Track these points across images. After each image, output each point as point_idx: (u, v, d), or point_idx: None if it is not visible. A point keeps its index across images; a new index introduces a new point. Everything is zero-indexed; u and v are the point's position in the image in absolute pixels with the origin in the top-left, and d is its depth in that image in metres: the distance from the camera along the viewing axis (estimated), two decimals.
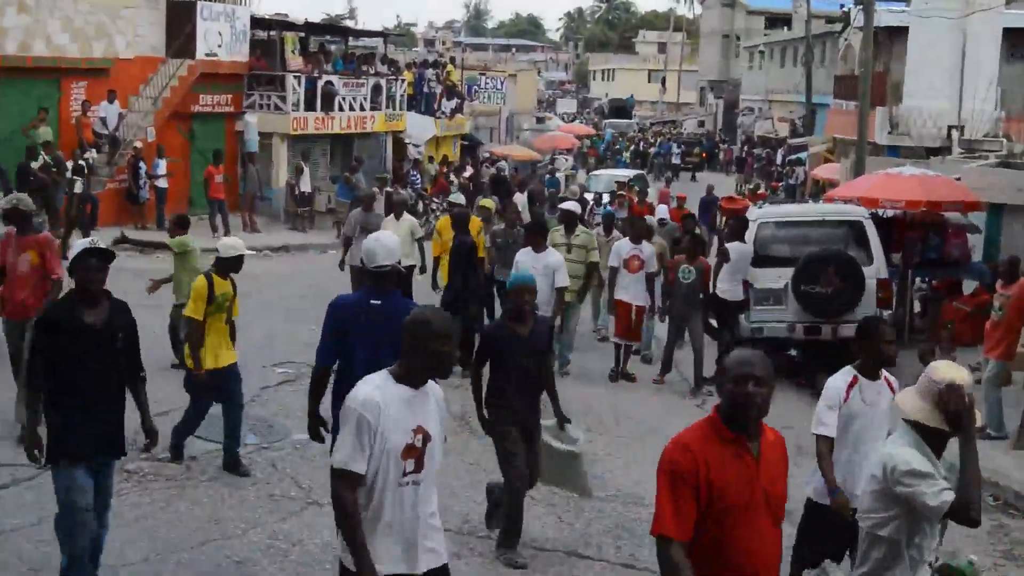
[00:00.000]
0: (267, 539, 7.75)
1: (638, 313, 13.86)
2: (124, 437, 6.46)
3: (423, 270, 15.18)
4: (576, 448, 8.05)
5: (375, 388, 4.69)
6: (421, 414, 4.74)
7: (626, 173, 35.40)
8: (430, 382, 4.85)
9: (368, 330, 6.37)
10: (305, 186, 27.14)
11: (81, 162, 21.95)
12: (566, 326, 13.44)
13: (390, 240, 6.63)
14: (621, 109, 76.41)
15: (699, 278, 13.36)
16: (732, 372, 4.31)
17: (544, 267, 11.72)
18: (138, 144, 24.11)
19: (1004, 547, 8.89)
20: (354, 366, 6.29)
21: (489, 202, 17.11)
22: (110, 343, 6.19)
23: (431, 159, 34.12)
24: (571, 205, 14.63)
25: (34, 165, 20.73)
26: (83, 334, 6.09)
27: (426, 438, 4.74)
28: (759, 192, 34.98)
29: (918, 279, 17.07)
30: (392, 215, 15.19)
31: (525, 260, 11.91)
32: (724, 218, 23.32)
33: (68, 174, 21.06)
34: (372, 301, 6.45)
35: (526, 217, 20.65)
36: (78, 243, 6.31)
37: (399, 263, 6.64)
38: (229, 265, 8.99)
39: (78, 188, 20.96)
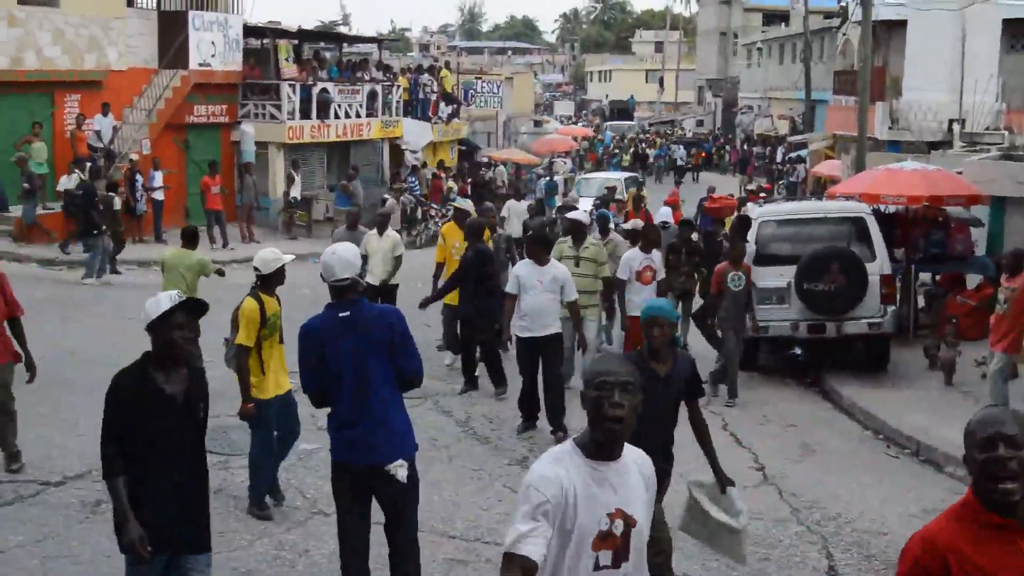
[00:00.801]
0: (273, 550, 7.80)
1: None
2: (209, 528, 5.62)
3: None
4: (737, 523, 6.95)
5: (554, 460, 3.78)
6: (621, 493, 3.80)
7: (618, 176, 35.24)
8: (632, 450, 3.95)
9: (351, 346, 6.16)
10: (296, 193, 27.28)
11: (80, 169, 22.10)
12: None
13: (347, 252, 6.38)
14: (623, 111, 76.50)
15: (747, 284, 12.88)
16: (976, 435, 3.50)
17: (551, 280, 10.95)
18: (134, 157, 24.22)
19: None
20: (343, 387, 6.20)
21: (465, 202, 16.30)
22: (191, 416, 5.41)
23: (425, 164, 34.14)
24: (579, 215, 13.84)
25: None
26: (162, 407, 5.27)
27: (628, 523, 3.81)
28: (760, 193, 34.81)
29: (922, 274, 17.12)
30: (375, 230, 14.59)
31: (527, 273, 11.00)
32: (711, 218, 23.18)
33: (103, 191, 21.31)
34: (341, 315, 6.23)
35: (514, 227, 20.27)
36: (160, 298, 5.37)
37: (360, 275, 6.42)
38: (274, 279, 8.39)
39: (117, 204, 21.13)
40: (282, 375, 8.46)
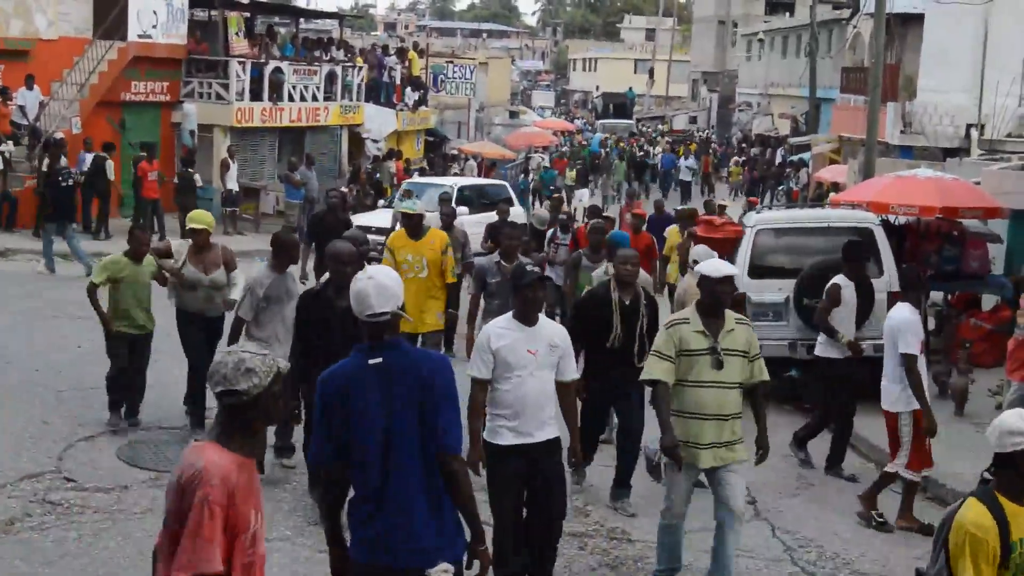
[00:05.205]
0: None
1: None
2: None
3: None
4: None
5: None
6: None
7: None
8: None
9: (380, 406, 5.09)
10: (232, 184, 26.63)
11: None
12: None
13: (387, 276, 5.31)
14: (620, 106, 75.15)
15: None
16: None
17: (548, 349, 7.34)
18: (60, 135, 24.00)
19: None
20: (367, 463, 5.14)
21: (204, 215, 12.29)
22: None
23: (390, 154, 33.82)
24: (722, 267, 7.99)
25: None
26: None
27: None
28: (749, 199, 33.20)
29: (933, 293, 17.22)
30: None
31: (512, 340, 7.23)
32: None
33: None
34: (371, 361, 5.15)
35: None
36: None
37: (402, 308, 5.27)
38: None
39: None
40: None
